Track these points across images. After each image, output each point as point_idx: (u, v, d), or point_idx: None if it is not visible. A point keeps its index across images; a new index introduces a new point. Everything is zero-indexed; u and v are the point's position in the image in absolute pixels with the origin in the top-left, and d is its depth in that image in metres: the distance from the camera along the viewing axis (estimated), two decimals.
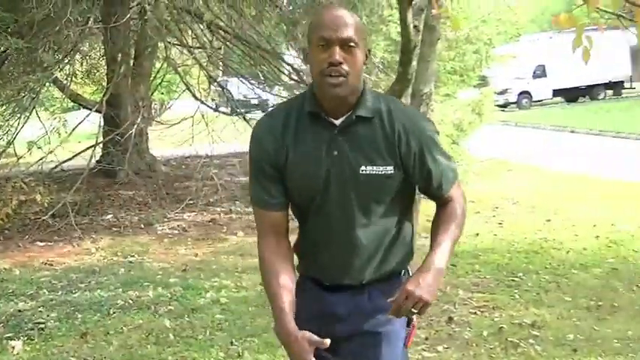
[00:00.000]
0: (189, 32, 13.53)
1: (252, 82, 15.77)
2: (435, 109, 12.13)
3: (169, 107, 23.56)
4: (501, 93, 33.83)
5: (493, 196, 12.49)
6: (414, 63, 6.45)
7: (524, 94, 35.52)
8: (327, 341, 2.55)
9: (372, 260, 2.79)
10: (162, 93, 23.42)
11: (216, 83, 13.35)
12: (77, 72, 15.19)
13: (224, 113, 13.70)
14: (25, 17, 9.22)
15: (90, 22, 11.01)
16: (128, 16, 9.84)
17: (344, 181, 2.68)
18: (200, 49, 13.31)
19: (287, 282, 2.71)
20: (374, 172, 2.66)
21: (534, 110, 33.81)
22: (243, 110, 14.31)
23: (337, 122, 2.68)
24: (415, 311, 2.55)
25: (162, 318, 6.81)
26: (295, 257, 2.88)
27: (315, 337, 2.55)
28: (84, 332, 6.49)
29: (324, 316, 2.82)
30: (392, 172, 2.67)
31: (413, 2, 6.61)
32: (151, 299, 7.39)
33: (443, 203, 2.83)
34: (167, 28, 11.71)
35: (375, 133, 2.67)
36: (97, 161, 13.78)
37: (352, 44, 2.58)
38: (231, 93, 14.82)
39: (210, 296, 7.44)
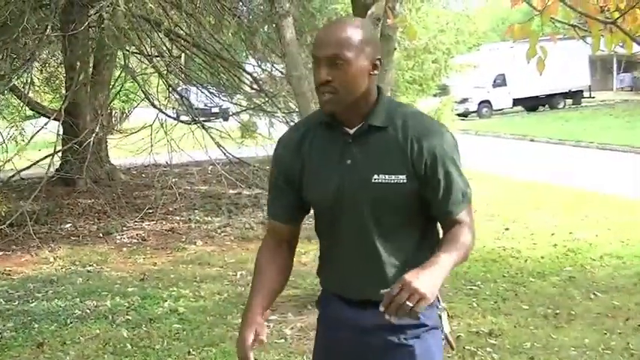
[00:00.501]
0: (149, 41, 13.48)
1: (212, 90, 15.78)
2: None
3: (129, 115, 23.42)
4: (462, 102, 33.98)
5: None
6: None
7: (485, 103, 35.66)
8: (263, 338, 2.68)
9: (391, 274, 2.64)
10: (123, 101, 23.35)
11: (175, 92, 13.28)
12: (36, 80, 15.09)
13: (183, 122, 13.62)
14: None
15: (48, 30, 10.91)
16: (86, 23, 9.78)
17: (356, 191, 2.63)
18: (159, 58, 13.24)
19: (269, 279, 2.81)
20: (386, 181, 2.59)
21: (495, 119, 34.09)
22: (202, 119, 14.28)
23: (351, 131, 2.66)
24: (410, 305, 2.30)
25: (120, 328, 6.78)
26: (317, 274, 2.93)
27: (263, 330, 2.70)
28: (40, 342, 6.45)
29: (351, 328, 2.75)
30: (404, 181, 2.58)
31: (369, 12, 6.67)
32: (108, 309, 7.35)
33: (449, 226, 2.65)
34: (126, 37, 11.64)
35: (388, 142, 2.62)
36: (57, 170, 13.67)
37: (339, 61, 2.53)
38: (189, 101, 14.77)
39: (168, 306, 7.42)
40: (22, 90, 13.37)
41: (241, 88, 14.81)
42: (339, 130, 2.68)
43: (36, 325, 6.90)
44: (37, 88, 15.91)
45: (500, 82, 35.26)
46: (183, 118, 15.31)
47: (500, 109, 36.01)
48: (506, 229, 10.73)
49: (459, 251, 2.58)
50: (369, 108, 2.64)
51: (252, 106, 14.53)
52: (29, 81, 13.55)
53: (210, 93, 15.97)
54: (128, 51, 12.58)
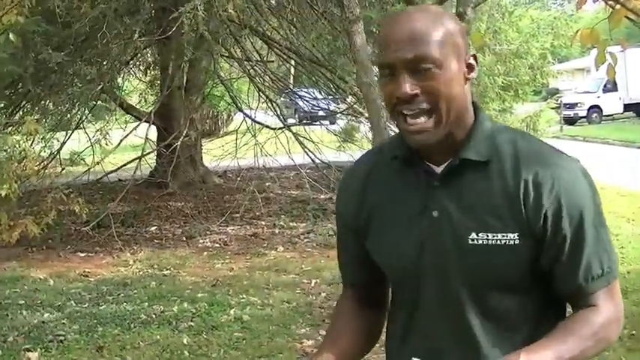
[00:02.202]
0: (249, 45, 13.61)
1: (316, 94, 15.79)
2: None
3: (232, 119, 23.62)
4: (571, 107, 33.19)
5: None
6: None
7: (595, 108, 34.42)
8: None
9: None
10: (228, 104, 23.53)
11: (265, 96, 13.30)
12: (131, 84, 15.40)
13: (270, 127, 13.59)
14: (66, 31, 9.31)
15: (135, 36, 11.08)
16: (174, 28, 9.82)
17: (446, 255, 1.89)
18: (252, 62, 13.31)
19: (344, 340, 2.12)
20: (489, 242, 1.84)
21: (604, 125, 32.90)
22: (307, 122, 14.36)
23: (438, 169, 1.92)
24: None
25: (181, 334, 6.77)
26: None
27: None
28: (100, 346, 6.50)
29: None
30: (516, 242, 1.82)
31: None
32: (174, 314, 7.36)
33: (577, 309, 1.91)
34: (216, 41, 11.72)
35: (491, 184, 1.86)
36: (151, 172, 13.89)
37: (427, 65, 1.79)
38: (279, 106, 14.75)
39: (234, 313, 7.38)
40: (116, 94, 13.60)
41: (340, 92, 14.72)
42: (420, 168, 1.94)
43: (100, 329, 6.95)
44: (128, 92, 16.24)
45: (610, 87, 33.97)
46: (290, 120, 15.29)
47: (610, 115, 34.75)
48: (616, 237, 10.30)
49: (582, 342, 1.84)
50: (464, 134, 1.90)
51: (345, 111, 14.48)
52: (121, 85, 13.79)
53: (314, 98, 15.98)
54: (219, 55, 12.65)
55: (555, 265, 1.87)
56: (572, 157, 1.93)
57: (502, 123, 2.11)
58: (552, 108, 19.90)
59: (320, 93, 16.26)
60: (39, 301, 7.87)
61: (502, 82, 11.98)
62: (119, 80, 13.96)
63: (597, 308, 1.87)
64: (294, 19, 12.67)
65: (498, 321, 1.91)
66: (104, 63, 11.29)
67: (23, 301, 7.85)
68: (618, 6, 5.08)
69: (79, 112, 12.30)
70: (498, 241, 1.83)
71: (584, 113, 34.03)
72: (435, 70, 1.79)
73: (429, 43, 1.79)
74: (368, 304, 2.17)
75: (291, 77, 18.34)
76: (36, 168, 10.20)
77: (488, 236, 1.84)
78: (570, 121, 32.35)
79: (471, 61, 1.89)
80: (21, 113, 11.12)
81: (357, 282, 2.19)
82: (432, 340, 1.95)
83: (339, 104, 16.13)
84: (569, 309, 1.97)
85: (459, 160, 1.87)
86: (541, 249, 1.85)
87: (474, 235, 1.85)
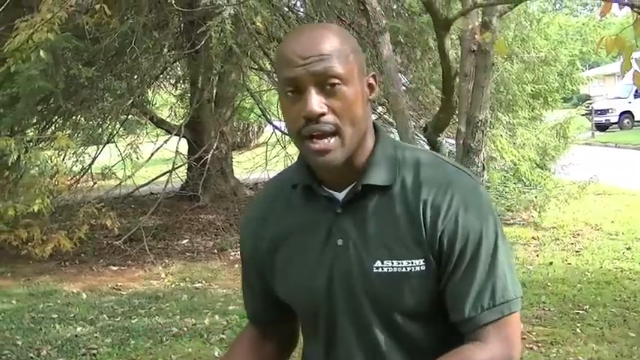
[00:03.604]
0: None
1: None
2: (517, 133, 11.97)
3: (263, 131, 23.68)
4: (602, 113, 32.90)
5: (576, 222, 12.12)
6: (470, 88, 6.31)
7: (626, 114, 34.12)
8: None
9: None
10: (258, 116, 23.59)
11: None
12: (160, 98, 15.50)
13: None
14: (96, 47, 9.41)
15: (165, 50, 11.16)
16: (202, 42, 9.91)
17: (352, 286, 1.81)
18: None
19: None
20: (394, 270, 1.76)
21: (637, 130, 32.53)
22: None
23: (340, 196, 1.83)
24: None
25: (213, 347, 6.79)
26: None
27: None
28: (132, 359, 6.53)
29: None
30: (422, 267, 1.76)
31: (469, 27, 6.47)
32: (205, 327, 7.38)
33: (466, 341, 1.79)
34: (247, 54, 11.77)
35: (394, 209, 1.79)
36: (183, 185, 13.96)
37: (335, 81, 1.70)
38: None
39: None
40: (146, 107, 13.70)
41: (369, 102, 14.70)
42: (321, 196, 1.84)
43: (132, 342, 6.98)
44: (157, 106, 16.35)
45: None
46: None
47: None
48: (628, 248, 10.22)
49: None
50: (365, 157, 1.82)
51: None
52: (151, 100, 13.88)
53: None
54: (247, 67, 12.71)
55: (447, 291, 1.78)
56: (473, 176, 1.87)
57: (404, 143, 1.96)
58: (583, 114, 19.74)
59: None
60: (72, 315, 7.93)
61: (531, 90, 11.92)
62: (149, 94, 14.01)
63: (483, 344, 1.75)
64: None
65: (412, 347, 1.82)
66: (134, 77, 11.39)
67: (56, 315, 7.91)
68: None
69: (109, 127, 12.39)
70: (404, 269, 1.76)
71: (615, 119, 33.76)
72: (342, 87, 1.71)
73: (337, 58, 1.71)
74: (271, 341, 2.09)
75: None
76: (68, 183, 10.30)
77: (393, 264, 1.76)
78: (602, 127, 32.15)
79: (372, 81, 1.82)
80: (53, 128, 11.23)
81: (263, 320, 2.10)
82: None
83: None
84: None
85: (360, 187, 1.79)
86: (440, 274, 1.77)
87: (378, 264, 1.77)
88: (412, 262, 1.75)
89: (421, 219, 1.75)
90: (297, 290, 1.90)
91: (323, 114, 1.70)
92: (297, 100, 1.72)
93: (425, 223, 1.75)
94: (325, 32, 1.76)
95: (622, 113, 33.96)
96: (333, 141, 1.72)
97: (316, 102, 1.69)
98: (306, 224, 1.86)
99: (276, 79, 11.34)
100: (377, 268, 1.76)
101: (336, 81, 1.70)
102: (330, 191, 1.83)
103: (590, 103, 28.99)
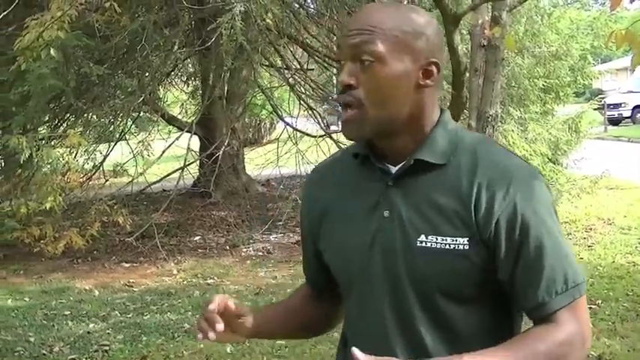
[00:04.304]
0: (289, 54, 13.64)
1: None
2: (528, 128, 11.93)
3: (275, 127, 23.68)
4: (615, 107, 32.69)
5: (588, 217, 12.09)
6: (480, 83, 6.30)
7: (639, 108, 33.74)
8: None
9: None
10: (270, 113, 23.58)
11: (305, 104, 13.29)
12: (172, 95, 15.51)
13: (310, 135, 13.54)
14: (106, 45, 9.43)
15: (175, 47, 11.17)
16: (213, 39, 9.90)
17: (394, 256, 1.81)
18: (291, 70, 13.32)
19: (286, 311, 2.19)
20: (438, 246, 1.75)
21: None
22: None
23: (394, 169, 1.84)
24: None
25: (225, 343, 6.81)
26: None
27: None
28: (144, 355, 6.57)
29: None
30: (466, 247, 1.75)
31: (479, 21, 6.46)
32: None
33: (538, 323, 1.79)
34: (257, 50, 11.76)
35: (444, 187, 1.78)
36: (195, 182, 13.98)
37: (367, 58, 1.74)
38: (319, 113, 14.72)
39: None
40: (158, 105, 13.71)
41: None
42: (376, 168, 1.86)
43: (144, 338, 7.02)
44: (168, 103, 16.36)
45: None
46: (334, 127, 15.25)
47: None
48: None
49: (532, 358, 1.73)
50: (422, 137, 1.83)
51: None
52: (162, 97, 13.89)
53: None
54: (258, 64, 12.69)
55: (514, 277, 1.77)
56: (532, 165, 1.87)
57: (466, 129, 2.05)
58: (595, 109, 19.66)
59: None
60: (84, 312, 7.97)
61: (542, 85, 11.86)
62: (160, 91, 14.03)
63: (558, 325, 1.75)
64: (334, 27, 12.67)
65: (448, 328, 1.82)
66: (145, 75, 11.39)
67: (69, 312, 7.96)
68: None
69: (121, 124, 12.42)
70: (447, 246, 1.75)
71: (628, 113, 33.41)
72: (375, 65, 1.74)
73: (376, 35, 1.74)
74: (323, 300, 2.13)
75: (334, 84, 18.38)
76: (80, 180, 10.34)
77: (437, 239, 1.76)
78: (614, 121, 31.94)
79: (431, 67, 1.80)
80: (64, 126, 11.26)
81: (317, 283, 2.14)
82: (381, 343, 1.84)
83: None
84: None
85: (413, 161, 1.81)
86: (493, 258, 1.76)
87: (422, 238, 1.77)
88: (456, 240, 1.75)
89: (472, 201, 1.75)
90: (337, 253, 1.94)
91: (350, 85, 1.75)
92: (340, 69, 1.79)
93: (477, 206, 1.75)
94: (383, 9, 1.80)
95: (635, 107, 33.57)
96: (352, 113, 1.77)
97: (346, 73, 1.75)
98: (356, 192, 1.89)
99: (287, 75, 11.33)
100: (420, 242, 1.77)
101: (369, 58, 1.74)
102: (386, 164, 1.85)
103: (603, 98, 28.88)
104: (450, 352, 1.75)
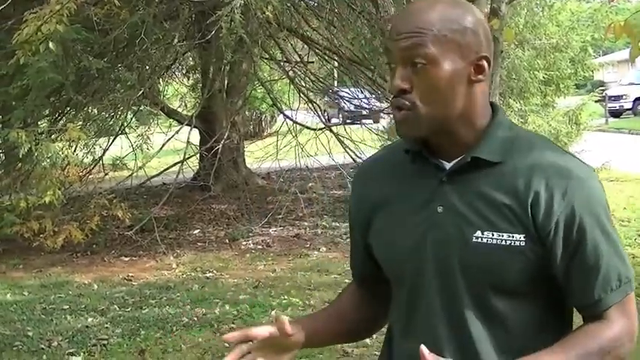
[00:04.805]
0: (289, 47, 13.63)
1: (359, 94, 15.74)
2: (529, 120, 11.93)
3: (275, 120, 23.64)
4: (616, 99, 32.63)
5: None
6: None
7: None
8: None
9: None
10: (270, 106, 23.53)
11: (305, 97, 13.27)
12: (172, 88, 15.51)
13: (309, 128, 13.53)
14: (106, 38, 9.41)
15: (175, 40, 11.15)
16: (213, 32, 9.88)
17: (448, 252, 1.81)
18: (291, 64, 13.31)
19: (339, 313, 2.14)
20: (494, 242, 1.76)
21: None
22: (350, 121, 14.39)
23: (448, 165, 1.85)
24: None
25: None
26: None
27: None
28: (143, 349, 6.58)
29: None
30: (522, 243, 1.75)
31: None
32: (215, 317, 7.40)
33: (590, 321, 1.81)
34: (257, 43, 11.75)
35: (500, 185, 1.79)
36: (194, 175, 13.98)
37: (420, 60, 1.74)
38: (319, 106, 14.69)
39: (275, 314, 7.39)
40: (158, 98, 13.71)
41: (381, 91, 14.64)
42: (430, 163, 1.87)
43: (143, 332, 7.02)
44: (168, 97, 16.35)
45: None
46: (334, 120, 15.24)
47: None
48: None
49: (587, 357, 1.75)
50: (476, 133, 1.84)
51: (387, 109, 14.40)
52: (162, 90, 13.89)
53: (355, 97, 15.94)
54: (258, 57, 12.68)
55: (570, 275, 1.79)
56: (588, 165, 1.86)
57: (523, 127, 1.99)
58: (596, 101, 19.65)
59: (361, 92, 16.24)
60: (83, 306, 7.97)
61: (543, 77, 11.86)
62: (160, 85, 14.02)
63: (609, 322, 1.78)
64: (334, 19, 12.65)
65: (499, 325, 1.81)
66: (145, 68, 11.38)
67: (67, 306, 7.96)
68: None
69: (121, 118, 12.39)
70: (504, 242, 1.76)
71: (629, 105, 33.30)
72: (428, 68, 1.74)
73: (426, 37, 1.73)
74: (370, 299, 2.12)
75: (334, 77, 18.37)
76: (79, 174, 10.34)
77: (493, 235, 1.76)
78: (615, 113, 31.88)
79: (482, 62, 1.79)
80: (64, 120, 11.23)
81: (363, 277, 2.12)
82: (430, 341, 1.80)
83: (382, 103, 16.09)
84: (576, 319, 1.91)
85: (470, 158, 1.80)
86: (549, 256, 1.77)
87: (478, 234, 1.78)
88: (513, 237, 1.76)
89: (530, 200, 1.75)
90: (388, 247, 1.93)
91: (404, 90, 1.76)
92: (392, 73, 1.78)
93: (535, 205, 1.75)
94: (429, 9, 1.78)
95: (636, 99, 33.41)
96: (405, 113, 1.77)
97: (399, 78, 1.75)
98: (409, 187, 1.89)
99: (287, 68, 11.30)
100: (477, 238, 1.78)
101: (422, 61, 1.74)
102: (440, 160, 1.86)
103: (604, 90, 28.83)
104: (502, 350, 1.79)
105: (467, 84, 1.79)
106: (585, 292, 1.79)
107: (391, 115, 14.90)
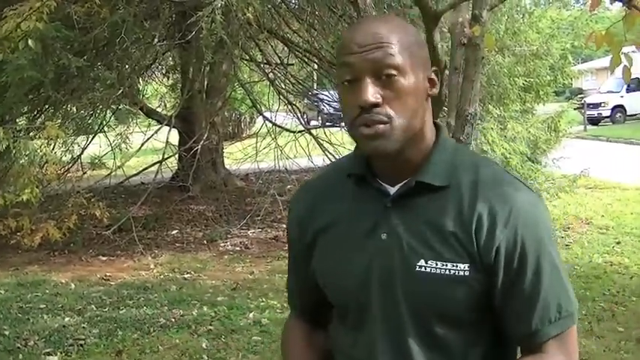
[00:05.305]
0: (269, 49, 13.63)
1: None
2: (508, 127, 11.94)
3: (255, 122, 23.61)
4: (595, 107, 32.89)
5: (566, 216, 12.14)
6: (460, 81, 6.30)
7: (618, 108, 33.94)
8: None
9: None
10: (249, 107, 23.49)
11: (285, 99, 13.26)
12: (151, 88, 15.44)
13: (288, 130, 13.51)
14: (86, 36, 9.36)
15: (155, 40, 11.12)
16: (193, 33, 9.85)
17: (392, 281, 1.76)
18: (272, 66, 13.31)
19: None
20: (438, 271, 1.71)
21: (628, 125, 32.33)
22: (330, 124, 14.43)
23: (392, 190, 1.80)
24: None
25: (201, 338, 6.79)
26: None
27: None
28: (120, 350, 6.54)
29: None
30: (466, 273, 1.71)
31: (459, 20, 6.45)
32: (193, 318, 7.37)
33: (529, 354, 1.77)
34: (238, 44, 11.73)
35: (445, 211, 1.74)
36: (173, 175, 13.94)
37: (391, 72, 1.69)
38: (299, 108, 14.68)
39: (253, 316, 7.39)
40: (137, 97, 13.66)
41: None
42: (373, 188, 1.83)
43: (120, 333, 6.98)
44: (148, 96, 16.29)
45: (634, 86, 33.12)
46: (313, 122, 15.26)
47: (634, 115, 33.96)
48: (618, 242, 10.28)
49: None
50: (422, 155, 1.80)
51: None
52: (141, 90, 13.84)
53: (335, 100, 15.95)
54: (239, 58, 12.67)
55: (508, 303, 1.73)
56: (533, 189, 1.82)
57: (465, 146, 1.95)
58: (575, 108, 19.75)
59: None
60: (60, 305, 7.92)
61: (522, 84, 11.86)
62: (140, 84, 13.95)
63: (546, 356, 1.73)
64: (315, 22, 12.65)
65: (444, 354, 1.77)
66: (125, 67, 11.34)
67: (44, 305, 7.91)
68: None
69: (100, 117, 12.35)
70: (448, 271, 1.71)
71: (607, 113, 33.60)
72: (398, 79, 1.70)
73: (396, 48, 1.70)
74: (317, 330, 2.05)
75: (314, 80, 18.38)
76: (57, 172, 10.26)
77: (437, 264, 1.72)
78: (594, 121, 32.14)
79: (433, 76, 1.80)
80: (43, 118, 11.17)
81: (307, 307, 2.06)
82: None
83: None
84: None
85: (414, 183, 1.77)
86: (492, 284, 1.72)
87: (422, 262, 1.73)
88: (457, 266, 1.71)
89: (474, 226, 1.71)
90: (333, 274, 1.87)
91: (377, 104, 1.69)
92: (353, 89, 1.71)
93: (478, 231, 1.71)
94: (386, 23, 1.75)
95: (614, 107, 33.73)
96: (382, 127, 1.70)
97: (371, 91, 1.68)
98: (353, 214, 1.83)
99: (267, 70, 11.26)
100: (420, 266, 1.72)
101: (393, 72, 1.69)
102: (383, 184, 1.81)
103: (583, 97, 29.00)
104: None
105: (425, 98, 1.79)
106: (522, 322, 1.73)
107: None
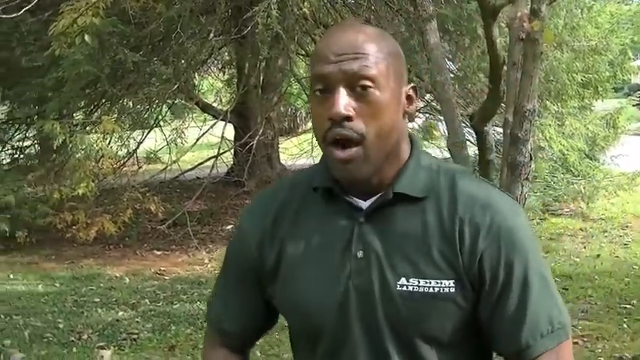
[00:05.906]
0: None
1: None
2: (566, 123, 11.78)
3: (310, 117, 23.63)
4: None
5: (625, 214, 11.90)
6: (518, 77, 6.20)
7: None
8: None
9: None
10: (305, 102, 23.47)
11: None
12: (208, 82, 15.48)
13: None
14: (142, 31, 9.42)
15: (211, 35, 11.16)
16: (249, 27, 9.85)
17: (371, 305, 1.63)
18: None
19: None
20: (421, 290, 1.60)
21: None
22: None
23: (365, 204, 1.66)
24: None
25: None
26: None
27: None
28: (173, 345, 6.54)
29: None
30: (451, 289, 1.60)
31: (518, 14, 6.35)
32: None
33: None
34: (294, 39, 11.71)
35: (425, 224, 1.63)
36: (228, 170, 13.97)
37: (367, 83, 1.57)
38: None
39: None
40: (193, 92, 13.73)
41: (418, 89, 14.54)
42: (343, 202, 1.68)
43: (173, 328, 6.98)
44: (204, 91, 16.34)
45: None
46: None
47: None
48: None
49: None
50: (396, 169, 1.66)
51: (423, 108, 14.31)
52: (197, 85, 13.88)
53: None
54: (295, 53, 12.65)
55: (496, 318, 1.62)
56: (514, 199, 1.75)
57: (439, 158, 1.79)
58: (634, 105, 19.42)
59: None
60: (114, 299, 7.96)
61: (581, 80, 11.68)
62: (196, 79, 14.02)
63: None
64: (371, 17, 12.57)
65: None
66: (180, 62, 11.38)
67: (99, 299, 7.95)
68: None
69: (155, 111, 12.42)
70: (431, 289, 1.59)
71: None
72: (374, 91, 1.57)
73: (372, 59, 1.58)
74: (237, 353, 1.90)
75: None
76: (113, 167, 10.35)
77: (419, 282, 1.59)
78: None
79: (411, 92, 1.67)
80: (99, 112, 11.28)
81: (240, 335, 1.87)
82: None
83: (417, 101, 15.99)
84: None
85: (391, 194, 1.63)
86: (479, 299, 1.62)
87: (403, 281, 1.60)
88: (441, 283, 1.59)
89: (456, 237, 1.61)
90: (301, 301, 1.70)
91: (349, 117, 1.56)
92: (325, 100, 1.58)
93: (461, 242, 1.61)
94: (363, 32, 1.62)
95: None
96: (356, 150, 1.57)
97: (344, 103, 1.56)
98: (322, 231, 1.69)
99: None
100: (401, 286, 1.60)
101: (369, 83, 1.57)
102: (354, 198, 1.67)
103: None
104: None
105: (402, 114, 1.66)
106: (512, 338, 1.62)
107: (426, 115, 14.93)
